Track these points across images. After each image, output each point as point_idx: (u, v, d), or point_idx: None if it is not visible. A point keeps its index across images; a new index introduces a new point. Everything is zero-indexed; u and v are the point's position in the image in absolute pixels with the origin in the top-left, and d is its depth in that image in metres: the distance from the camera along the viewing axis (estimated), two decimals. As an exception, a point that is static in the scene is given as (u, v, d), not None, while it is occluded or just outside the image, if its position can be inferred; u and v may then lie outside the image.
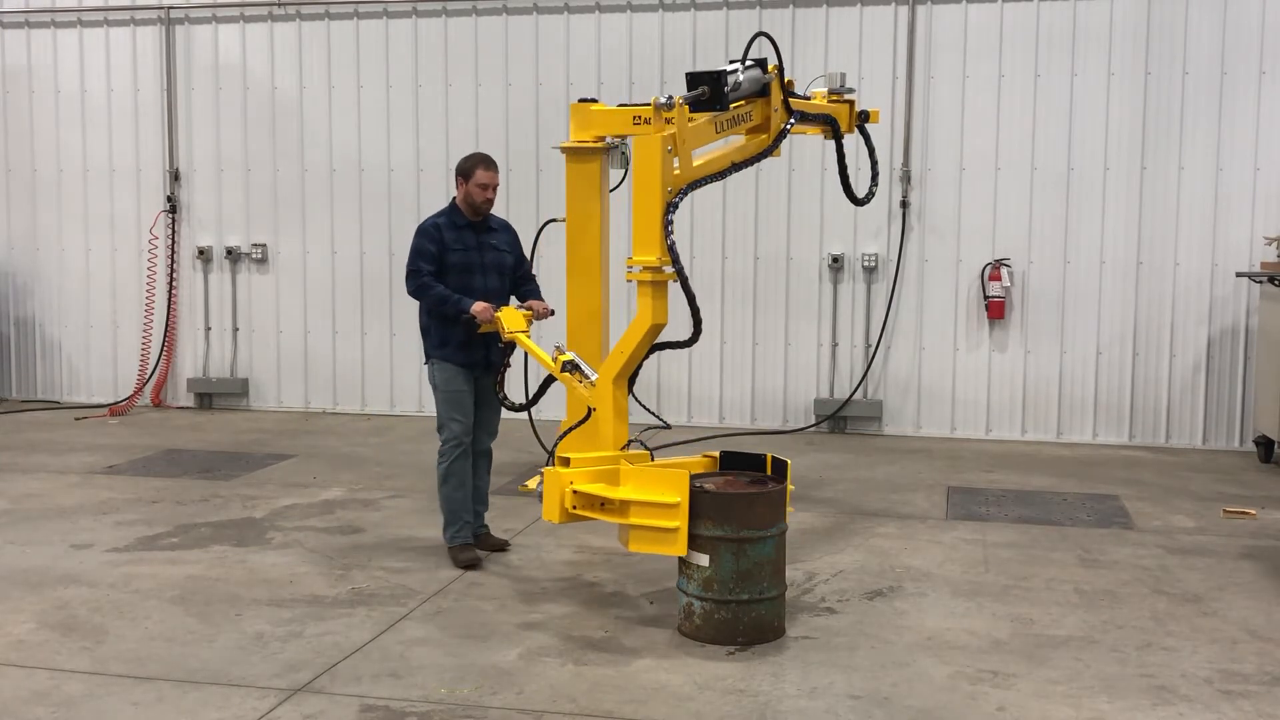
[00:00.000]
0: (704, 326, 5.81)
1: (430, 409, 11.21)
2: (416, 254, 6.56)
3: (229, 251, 11.50)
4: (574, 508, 5.53)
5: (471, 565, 6.47)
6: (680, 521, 5.27)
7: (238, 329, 11.61)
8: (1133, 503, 7.98)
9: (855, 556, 6.69)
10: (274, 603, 5.89)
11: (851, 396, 10.36)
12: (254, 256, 11.45)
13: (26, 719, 4.59)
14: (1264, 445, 9.31)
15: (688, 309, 5.68)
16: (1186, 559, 6.68)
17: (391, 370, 11.29)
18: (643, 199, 5.59)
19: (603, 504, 5.50)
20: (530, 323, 6.55)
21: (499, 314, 6.44)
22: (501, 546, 6.79)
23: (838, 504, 7.88)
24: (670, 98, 5.56)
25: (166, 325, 11.65)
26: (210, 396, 11.66)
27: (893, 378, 10.38)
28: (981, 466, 9.14)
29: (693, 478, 5.62)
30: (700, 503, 5.35)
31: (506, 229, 6.87)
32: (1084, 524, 7.44)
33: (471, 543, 6.63)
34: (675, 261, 5.56)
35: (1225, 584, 6.23)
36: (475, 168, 6.58)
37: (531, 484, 8.26)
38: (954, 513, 7.72)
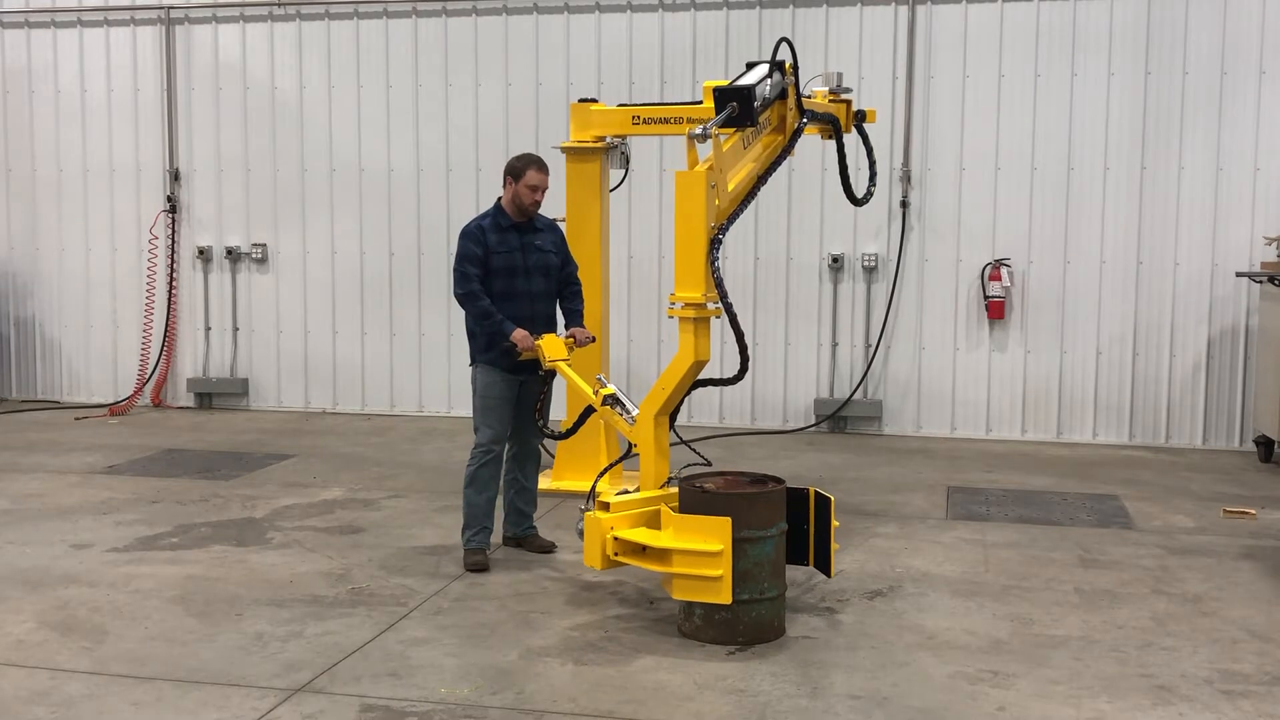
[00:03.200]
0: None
1: (430, 409, 11.32)
2: (463, 258, 6.45)
3: (229, 251, 11.50)
4: (615, 554, 5.46)
5: (478, 569, 6.44)
6: (724, 570, 5.19)
7: (238, 329, 11.62)
8: (1133, 503, 7.98)
9: (855, 556, 6.69)
10: (274, 603, 5.89)
11: (851, 396, 10.36)
12: (254, 256, 11.45)
13: (26, 719, 4.59)
14: (1264, 445, 9.31)
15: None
16: (1186, 559, 6.68)
17: (391, 370, 11.29)
18: (686, 237, 5.46)
19: (644, 549, 5.43)
20: (571, 350, 6.49)
21: (540, 342, 6.35)
22: (549, 548, 6.72)
23: (838, 504, 7.83)
24: (705, 128, 5.34)
25: (166, 325, 11.65)
26: (210, 396, 11.66)
27: (893, 378, 10.38)
28: (981, 466, 9.14)
29: (693, 478, 5.63)
30: (700, 503, 5.35)
31: (552, 228, 6.78)
32: (1084, 524, 7.44)
33: (483, 547, 6.58)
34: (724, 298, 5.47)
35: (1225, 584, 6.23)
36: (528, 168, 6.45)
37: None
38: (954, 513, 7.72)
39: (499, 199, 6.63)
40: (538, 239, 6.61)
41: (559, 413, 8.08)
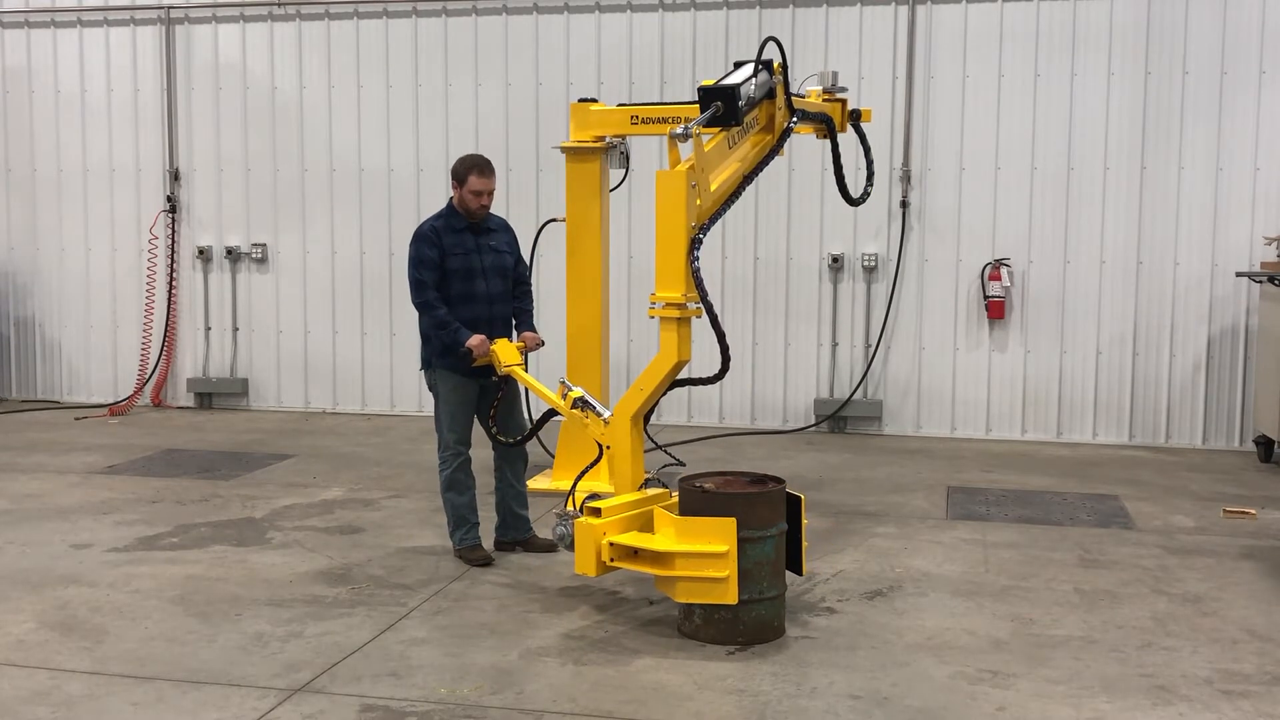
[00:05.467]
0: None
1: (430, 409, 11.23)
2: (418, 262, 6.43)
3: (229, 251, 11.50)
4: (611, 560, 5.41)
5: (484, 564, 6.45)
6: (730, 570, 5.16)
7: (238, 329, 11.62)
8: (1133, 503, 7.98)
9: (855, 556, 6.69)
10: (274, 603, 5.89)
11: (851, 396, 10.36)
12: (254, 256, 11.45)
13: (26, 719, 4.59)
14: (1264, 445, 9.31)
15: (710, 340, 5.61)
16: (1186, 559, 6.68)
17: (391, 370, 11.29)
18: (666, 237, 5.42)
19: (636, 552, 5.38)
20: (524, 354, 6.50)
21: (494, 347, 6.36)
22: (550, 548, 6.66)
23: (838, 504, 7.87)
24: (686, 127, 5.31)
25: (166, 325, 11.65)
26: (210, 396, 11.66)
27: (893, 378, 10.38)
28: (981, 466, 9.14)
29: (691, 478, 5.63)
30: (700, 503, 5.34)
31: (506, 229, 6.76)
32: (1084, 524, 7.44)
33: (479, 542, 6.60)
34: (704, 298, 5.43)
35: (1225, 584, 6.23)
36: (469, 173, 6.42)
37: (532, 484, 8.26)
38: (954, 513, 7.72)
39: (450, 199, 6.60)
40: (492, 239, 6.59)
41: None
